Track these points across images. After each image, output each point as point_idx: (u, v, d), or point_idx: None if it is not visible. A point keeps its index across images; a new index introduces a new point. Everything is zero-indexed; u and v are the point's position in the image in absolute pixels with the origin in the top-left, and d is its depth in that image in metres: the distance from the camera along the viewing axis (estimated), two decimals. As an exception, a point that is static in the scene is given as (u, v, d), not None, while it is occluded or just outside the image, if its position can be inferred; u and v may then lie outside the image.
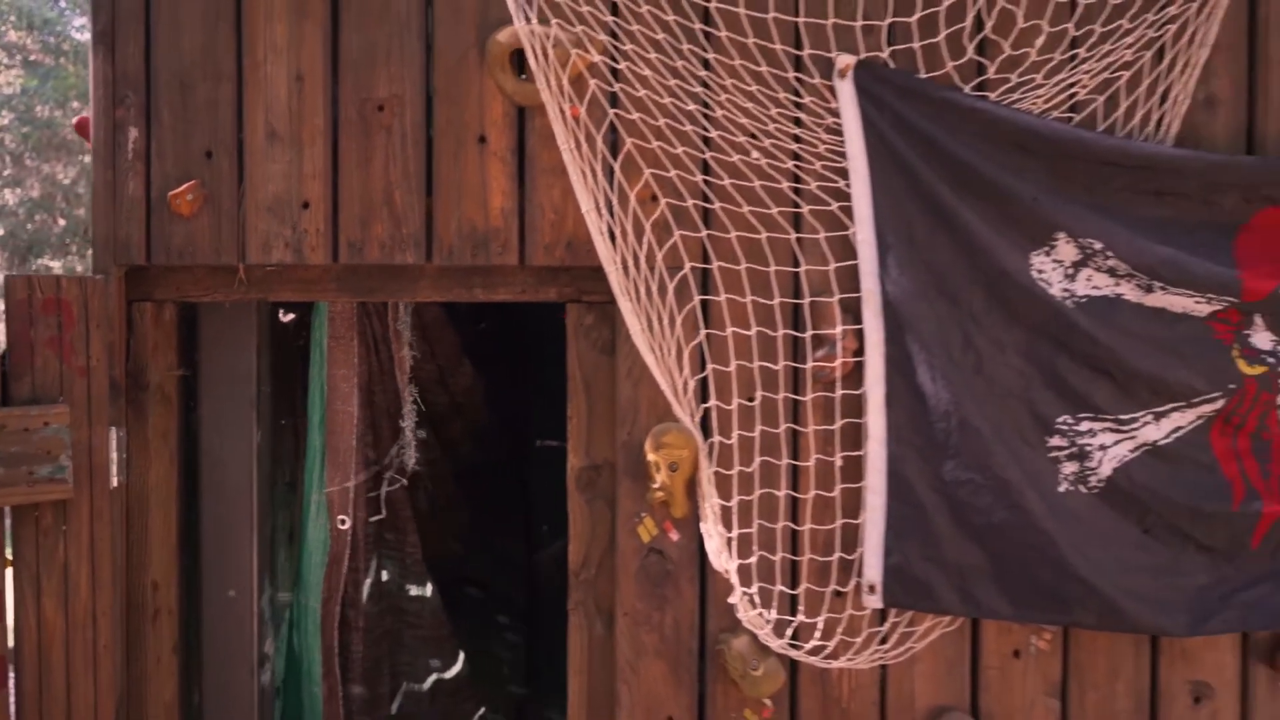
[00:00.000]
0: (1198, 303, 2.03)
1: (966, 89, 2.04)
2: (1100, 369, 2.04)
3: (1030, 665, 2.09)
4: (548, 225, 2.04)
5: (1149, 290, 2.03)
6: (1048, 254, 2.05)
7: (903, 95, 2.03)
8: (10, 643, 1.85)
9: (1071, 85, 2.05)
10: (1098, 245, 2.01)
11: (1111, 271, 2.03)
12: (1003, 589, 2.03)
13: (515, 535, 3.05)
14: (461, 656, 2.86)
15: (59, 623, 1.88)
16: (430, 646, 2.78)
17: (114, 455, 1.97)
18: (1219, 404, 2.04)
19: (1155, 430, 2.07)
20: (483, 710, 3.00)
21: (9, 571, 1.86)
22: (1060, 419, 2.04)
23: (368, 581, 2.49)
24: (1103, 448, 2.07)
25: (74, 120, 2.19)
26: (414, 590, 2.71)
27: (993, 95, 2.03)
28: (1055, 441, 2.05)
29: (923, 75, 2.04)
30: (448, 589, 2.75)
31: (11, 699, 1.83)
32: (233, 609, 2.17)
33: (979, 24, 2.05)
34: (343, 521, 2.22)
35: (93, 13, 2.04)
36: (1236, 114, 2.08)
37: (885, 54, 2.02)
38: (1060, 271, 2.05)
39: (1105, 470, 2.06)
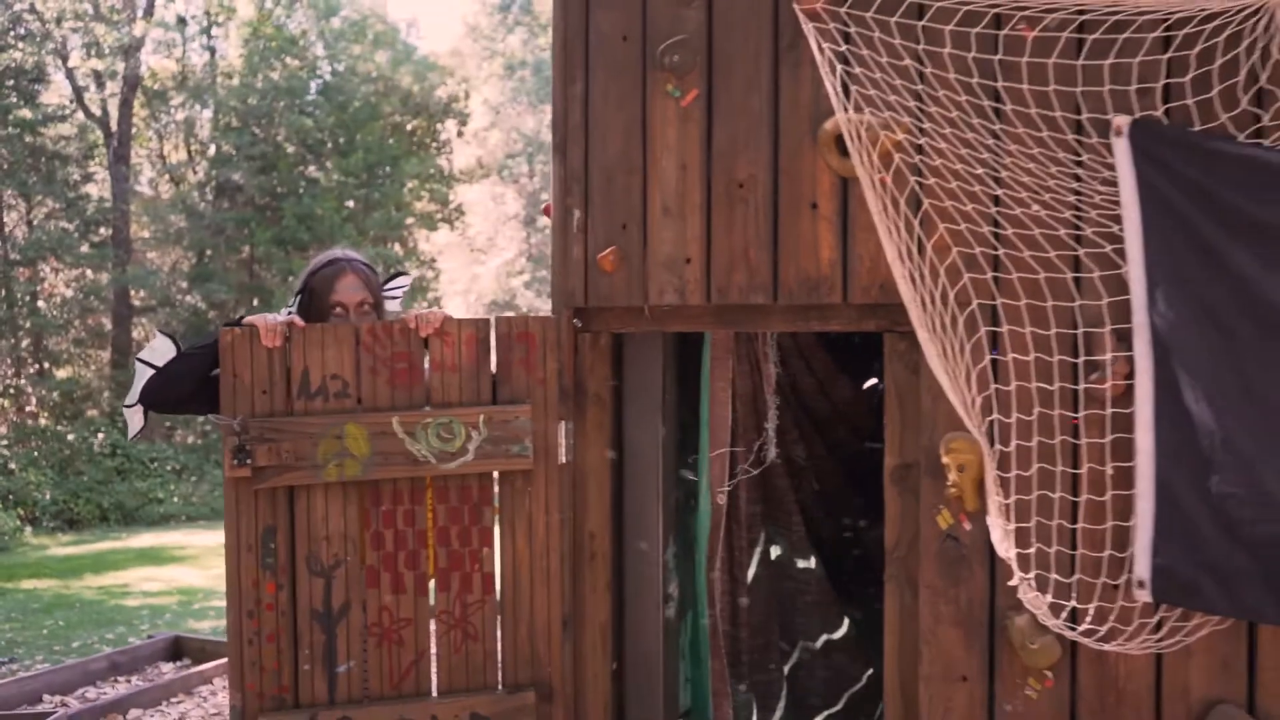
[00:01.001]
0: None
1: (1241, 137, 2.43)
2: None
3: (1309, 671, 2.41)
4: (864, 271, 2.78)
5: None
6: (1318, 287, 2.36)
7: (1174, 146, 2.46)
8: (497, 564, 3.02)
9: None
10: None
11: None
12: (1269, 592, 2.40)
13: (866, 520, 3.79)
14: (846, 621, 3.64)
15: (525, 552, 3.01)
16: (818, 611, 3.61)
17: (563, 441, 3.06)
18: None
19: None
20: (871, 670, 3.77)
21: (497, 517, 3.03)
22: (1333, 440, 2.35)
23: (757, 551, 3.38)
24: (1380, 466, 2.34)
25: (543, 207, 3.35)
26: (801, 563, 3.55)
27: (1268, 141, 2.40)
28: (1328, 459, 2.36)
29: (1195, 128, 2.46)
30: (832, 563, 3.55)
31: (497, 605, 3.01)
32: (645, 557, 3.18)
33: (1253, 76, 2.42)
34: (720, 497, 3.14)
35: (552, 130, 3.16)
36: None
37: (1159, 111, 2.48)
38: (1331, 304, 2.36)
39: (1381, 487, 2.33)
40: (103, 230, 20.11)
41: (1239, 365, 2.41)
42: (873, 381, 4.35)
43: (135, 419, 2.95)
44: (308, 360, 2.81)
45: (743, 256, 2.89)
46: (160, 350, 2.91)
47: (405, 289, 3.34)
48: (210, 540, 15.60)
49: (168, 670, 6.54)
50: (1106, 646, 2.52)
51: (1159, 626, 2.50)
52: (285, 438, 2.73)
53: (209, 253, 20.28)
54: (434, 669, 2.94)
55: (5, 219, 19.75)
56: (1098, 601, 2.53)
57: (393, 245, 20.94)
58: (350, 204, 20.26)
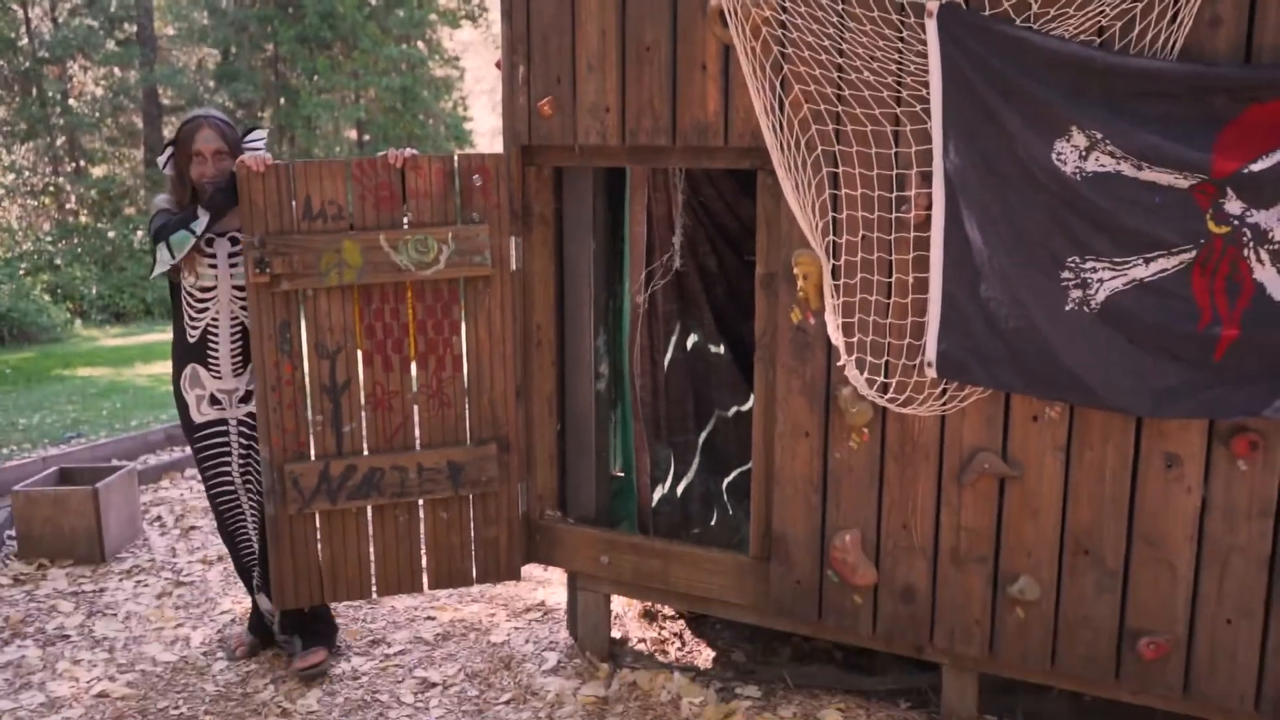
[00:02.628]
0: (1177, 178, 3.04)
1: (1018, 21, 3.19)
2: (1101, 225, 3.15)
3: (1045, 427, 3.35)
4: (741, 121, 3.59)
5: (1140, 168, 3.08)
6: (1066, 141, 3.16)
7: (968, 28, 3.22)
8: (464, 348, 3.99)
9: (1098, 15, 3.10)
10: (1099, 135, 3.09)
11: (1112, 154, 3.10)
12: (1017, 372, 3.30)
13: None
14: (752, 397, 4.62)
15: (486, 340, 3.97)
16: (728, 387, 4.58)
17: (513, 253, 3.97)
18: (1192, 254, 3.07)
19: (1143, 270, 3.14)
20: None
21: (463, 313, 3.98)
22: (1070, 259, 3.20)
23: (673, 339, 4.32)
24: (1100, 280, 3.19)
25: (495, 61, 4.15)
26: (713, 349, 4.49)
27: (1035, 25, 3.16)
28: (1065, 275, 3.21)
29: (986, 13, 3.22)
30: (737, 350, 4.49)
31: (465, 380, 4.00)
32: (581, 342, 4.14)
33: (1027, -27, 3.16)
34: (638, 299, 4.07)
35: (502, 1, 3.94)
36: (1237, 31, 2.98)
37: (959, -1, 3.24)
38: (1075, 154, 3.16)
39: (1101, 296, 3.19)
40: (127, 27, 20.67)
41: (1005, 201, 3.24)
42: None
43: (165, 255, 3.81)
44: (309, 189, 3.71)
45: (649, 106, 3.71)
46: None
47: (264, 140, 4.07)
48: (249, 333, 16.90)
49: (216, 443, 7.74)
50: (905, 410, 3.47)
51: (942, 395, 3.43)
52: (295, 251, 3.66)
53: (234, 50, 20.84)
54: (416, 429, 3.96)
55: (30, 15, 20.33)
56: (899, 377, 3.46)
57: (415, 43, 21.36)
58: (372, 0, 20.61)
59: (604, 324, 4.22)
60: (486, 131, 22.74)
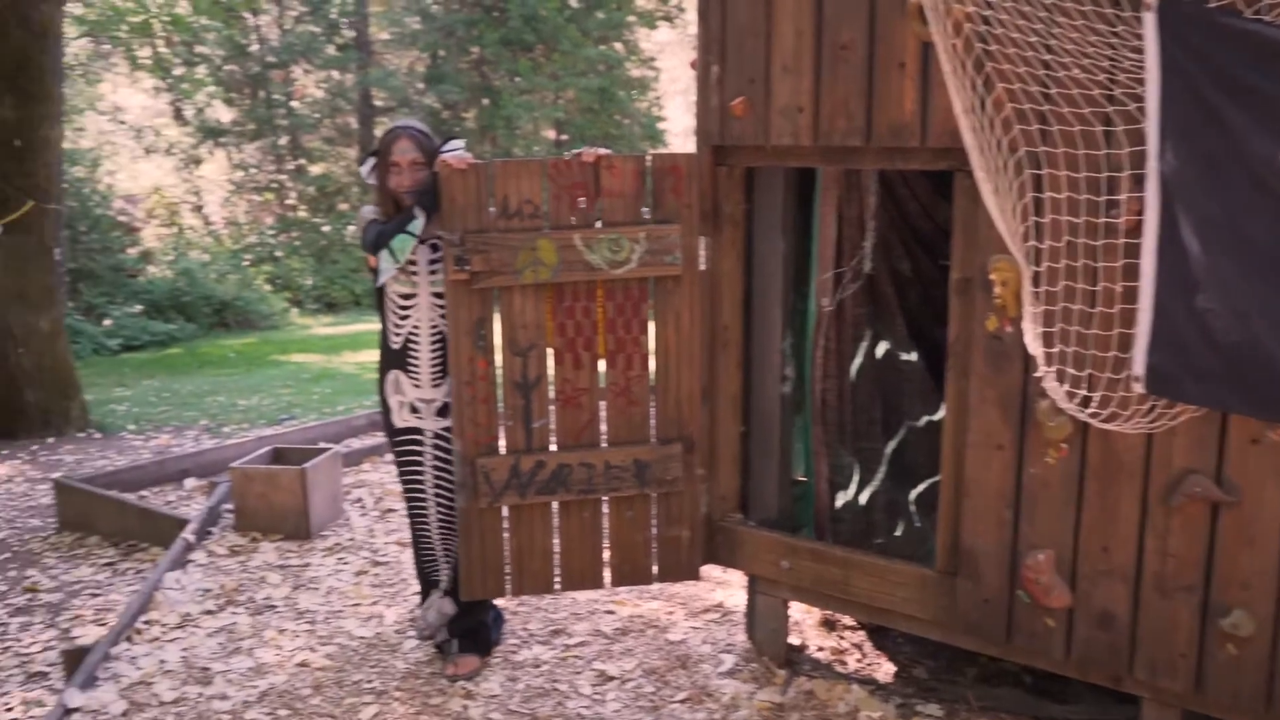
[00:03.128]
0: None
1: (1247, 13, 2.95)
2: (1335, 234, 2.90)
3: (1267, 451, 3.09)
4: (939, 121, 3.47)
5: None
6: (1297, 143, 2.91)
7: (1190, 22, 3.01)
8: (652, 347, 3.99)
9: (1340, 5, 2.84)
10: (1335, 138, 2.84)
11: (1349, 159, 2.84)
12: (1236, 391, 3.06)
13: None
14: (943, 406, 4.46)
15: (674, 339, 3.96)
16: (920, 396, 4.43)
17: (702, 253, 3.96)
18: None
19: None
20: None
21: (652, 312, 3.99)
22: (1299, 269, 2.95)
23: (862, 345, 4.21)
24: (1333, 294, 2.93)
25: (690, 61, 4.15)
26: (904, 356, 4.35)
27: (1267, 17, 2.92)
28: (1293, 286, 2.97)
29: (1210, 4, 2.99)
30: (930, 357, 4.33)
31: (652, 379, 4.01)
32: (768, 344, 4.09)
33: (1259, -38, 2.92)
34: (825, 303, 3.98)
35: (698, 3, 3.93)
36: None
37: (1182, -9, 3.02)
38: (1307, 157, 2.91)
39: (1333, 311, 2.93)
40: (346, 33, 21.70)
41: (1228, 206, 3.02)
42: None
43: (388, 262, 3.88)
44: (507, 188, 3.78)
45: (843, 106, 3.62)
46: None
47: (460, 149, 4.02)
48: (449, 325, 17.51)
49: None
50: (1109, 426, 3.27)
51: (1150, 412, 3.23)
52: (493, 249, 3.74)
53: (441, 54, 21.60)
54: (604, 426, 3.99)
55: (260, 23, 21.60)
56: (1104, 391, 3.27)
57: (614, 45, 21.66)
58: (573, 3, 21.01)
59: (791, 326, 4.16)
60: (681, 131, 22.85)
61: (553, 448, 3.97)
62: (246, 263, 19.24)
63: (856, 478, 4.37)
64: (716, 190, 3.98)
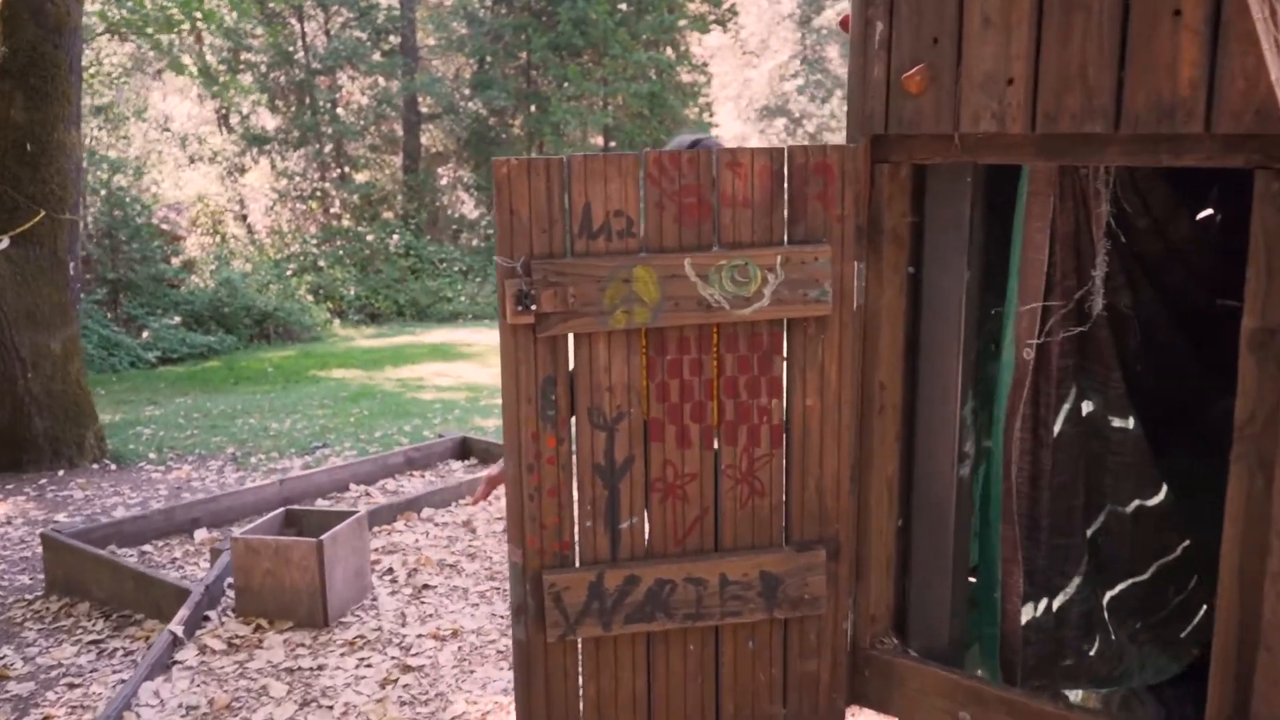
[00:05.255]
0: None
1: None
2: None
3: None
4: (1237, 94, 2.25)
5: None
6: None
7: None
8: (784, 417, 2.80)
9: None
10: None
11: None
12: None
13: (1200, 384, 3.28)
14: (1164, 488, 3.24)
15: (816, 404, 2.77)
16: (1132, 473, 3.21)
17: (856, 284, 2.77)
18: None
19: None
20: (1187, 543, 3.36)
21: (786, 366, 2.80)
22: None
23: (1065, 407, 3.00)
24: None
25: (840, 19, 2.94)
26: (1116, 422, 3.14)
27: None
28: None
29: None
30: (1151, 424, 3.13)
31: (785, 459, 2.80)
32: (940, 408, 2.88)
33: None
34: (1027, 352, 2.77)
35: (856, -71, 2.73)
36: None
37: None
38: None
39: None
40: (392, 39, 20.70)
41: None
42: (1208, 212, 3.75)
43: None
44: (589, 193, 2.60)
45: (1079, 76, 2.41)
46: None
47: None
48: (493, 339, 16.37)
49: (456, 467, 6.89)
50: None
51: None
52: (570, 281, 2.56)
53: (489, 59, 20.54)
54: (718, 526, 2.79)
55: (306, 29, 20.65)
56: None
57: (664, 49, 20.49)
58: (623, 7, 19.86)
59: (973, 384, 2.95)
60: (732, 139, 21.63)
61: (649, 557, 2.78)
62: (289, 273, 18.25)
63: (1048, 583, 3.15)
64: (875, 196, 2.78)
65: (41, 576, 5.37)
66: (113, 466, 8.05)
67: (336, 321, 17.92)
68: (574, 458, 2.70)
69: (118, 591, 4.99)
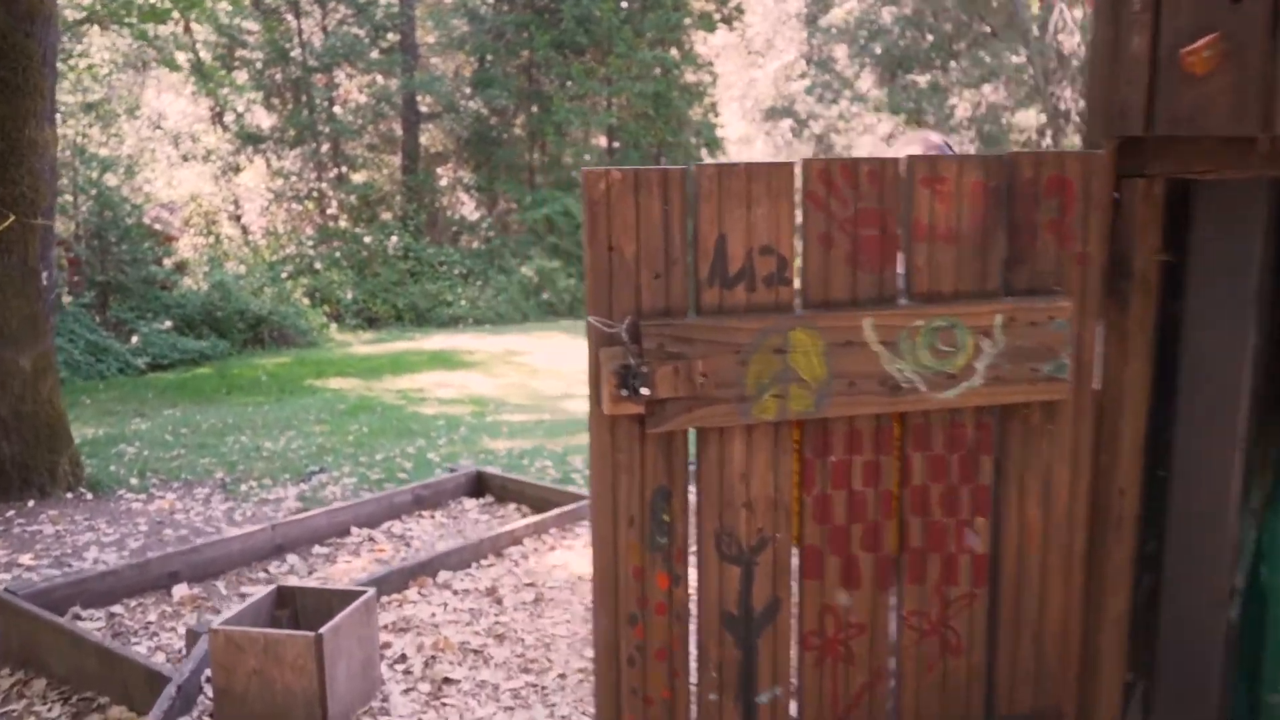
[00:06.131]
0: None
1: None
2: None
3: None
4: None
5: None
6: None
7: None
8: (991, 542, 1.91)
9: None
10: None
11: None
12: None
13: None
14: None
15: (1038, 523, 1.88)
16: None
17: (1098, 351, 1.88)
18: None
19: None
20: None
21: (996, 470, 1.91)
22: None
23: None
24: None
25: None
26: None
27: None
28: None
29: None
30: None
31: (991, 601, 1.90)
32: (1202, 528, 2.00)
33: None
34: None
35: None
36: None
37: None
38: None
39: None
40: (391, 35, 19.73)
41: None
42: None
43: None
44: (724, 221, 1.69)
45: None
46: None
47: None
48: (495, 346, 15.40)
49: (470, 506, 5.98)
50: None
51: None
52: (698, 351, 1.65)
53: (490, 57, 19.57)
54: (896, 698, 1.89)
55: (303, 25, 19.68)
56: None
57: (669, 49, 19.55)
58: (625, 4, 18.91)
59: (1257, 488, 2.05)
60: (738, 140, 20.71)
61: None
62: (284, 275, 17.27)
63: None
64: (1123, 226, 1.88)
65: None
66: (88, 495, 7.11)
67: (333, 326, 16.97)
68: (693, 604, 1.79)
69: (80, 668, 4.07)
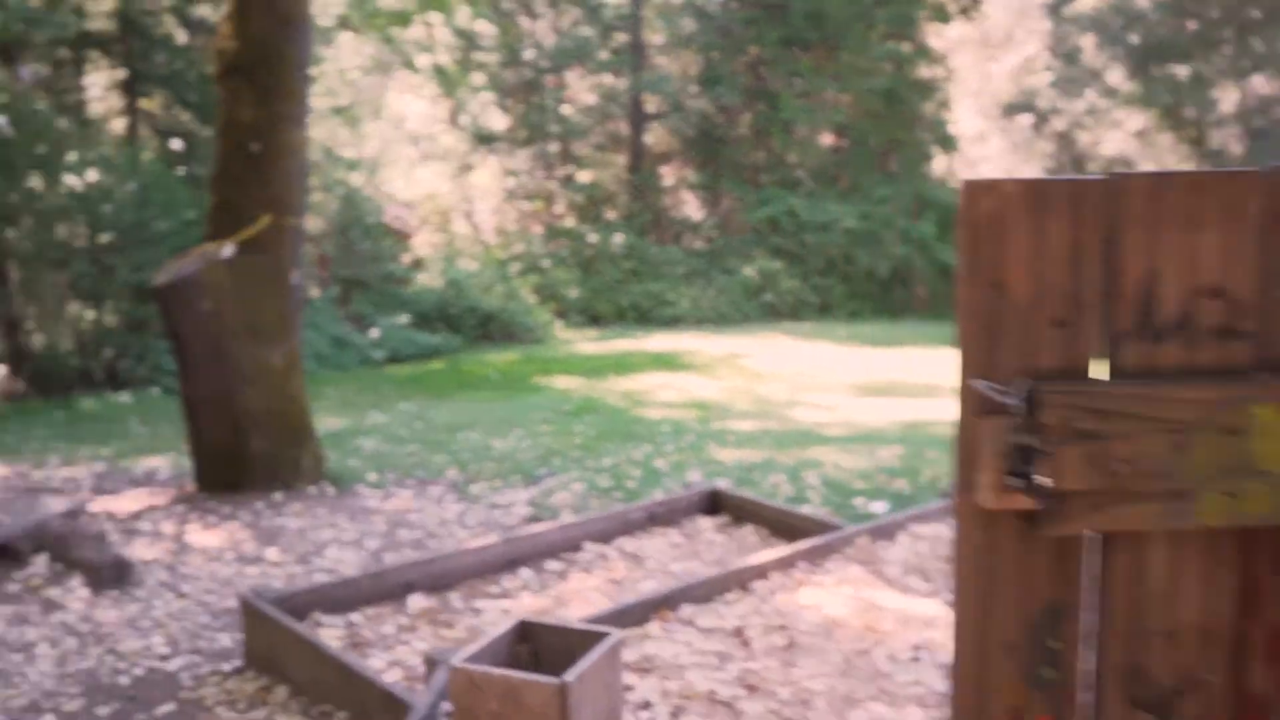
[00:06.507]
0: None
1: None
2: None
3: None
4: None
5: None
6: None
7: None
8: None
9: None
10: None
11: None
12: None
13: None
14: None
15: None
16: None
17: None
18: None
19: None
20: None
21: None
22: None
23: None
24: None
25: None
26: None
27: None
28: None
29: None
30: None
31: None
32: None
33: None
34: None
35: None
36: None
37: None
38: None
39: None
40: (620, 36, 19.74)
41: None
42: None
43: None
44: (1154, 253, 1.23)
45: None
46: None
47: None
48: (716, 348, 15.09)
49: (705, 525, 5.64)
50: None
51: None
52: (1117, 428, 1.20)
53: (716, 55, 19.28)
54: None
55: (536, 27, 19.97)
56: None
57: (902, 43, 18.70)
58: (859, -3, 18.22)
59: None
60: (973, 136, 19.60)
61: None
62: (513, 273, 17.55)
63: None
64: None
65: (241, 636, 4.46)
66: (330, 490, 7.24)
67: (558, 324, 17.11)
68: (1083, 759, 1.33)
69: (319, 679, 3.99)
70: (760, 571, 4.33)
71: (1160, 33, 17.40)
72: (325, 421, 9.50)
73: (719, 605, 4.11)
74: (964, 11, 18.95)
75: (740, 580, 4.27)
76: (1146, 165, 18.93)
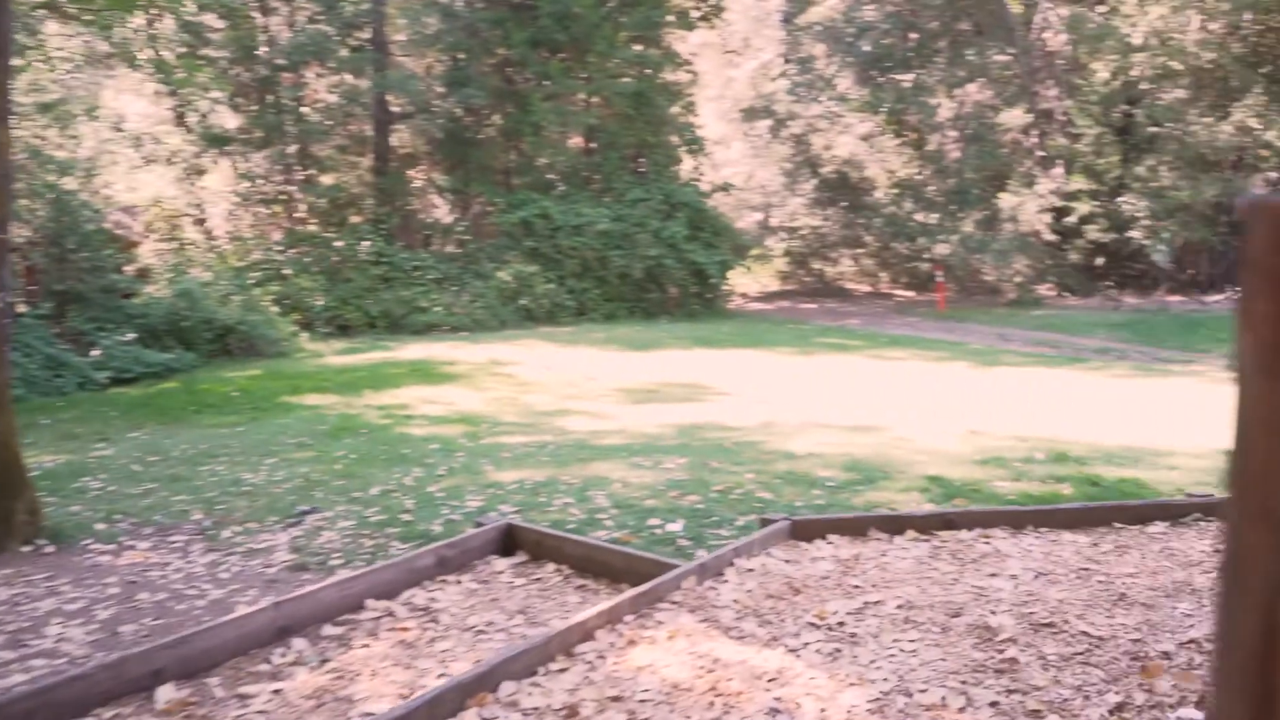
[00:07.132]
0: None
1: None
2: None
3: None
4: None
5: None
6: None
7: None
8: None
9: None
10: None
11: None
12: None
13: None
14: None
15: None
16: None
17: None
18: None
19: None
20: None
21: None
22: None
23: None
24: None
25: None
26: None
27: None
28: None
29: None
30: None
31: None
32: None
33: None
34: None
35: None
36: None
37: None
38: None
39: None
40: (361, 33, 18.67)
41: None
42: None
43: None
44: None
45: None
46: None
47: None
48: (476, 355, 14.45)
49: (502, 567, 5.08)
50: None
51: None
52: None
53: (463, 55, 18.59)
54: None
55: (269, 22, 18.56)
56: None
57: (648, 46, 18.68)
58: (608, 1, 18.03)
59: None
60: (718, 139, 19.88)
61: None
62: (252, 282, 16.19)
63: None
64: None
65: (-66, 758, 3.51)
66: (49, 548, 6.12)
67: (304, 335, 15.92)
68: None
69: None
70: (585, 632, 3.81)
71: (885, 43, 18.25)
72: (40, 459, 8.22)
73: (543, 679, 3.54)
74: (706, 18, 19.19)
75: (564, 645, 3.73)
76: (874, 167, 19.82)
